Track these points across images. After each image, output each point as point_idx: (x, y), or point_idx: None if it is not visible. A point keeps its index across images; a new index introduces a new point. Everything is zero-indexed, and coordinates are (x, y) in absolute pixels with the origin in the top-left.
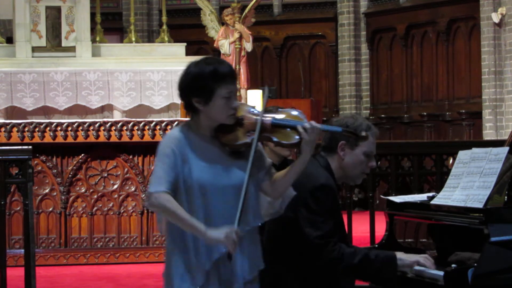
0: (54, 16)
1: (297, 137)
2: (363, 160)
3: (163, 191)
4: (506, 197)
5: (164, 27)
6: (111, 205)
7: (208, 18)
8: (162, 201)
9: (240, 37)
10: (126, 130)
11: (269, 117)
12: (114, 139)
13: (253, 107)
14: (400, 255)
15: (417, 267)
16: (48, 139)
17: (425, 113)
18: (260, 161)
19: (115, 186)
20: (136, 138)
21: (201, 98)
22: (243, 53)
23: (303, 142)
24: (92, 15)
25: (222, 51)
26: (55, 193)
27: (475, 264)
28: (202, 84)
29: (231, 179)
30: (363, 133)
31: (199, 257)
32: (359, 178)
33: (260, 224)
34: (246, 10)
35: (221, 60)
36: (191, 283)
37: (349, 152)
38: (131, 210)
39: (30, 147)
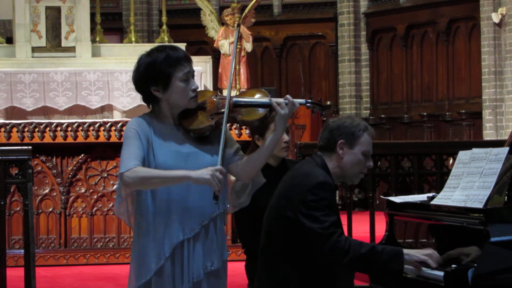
0: (54, 16)
1: (261, 111)
2: (361, 160)
3: (133, 166)
4: (506, 197)
5: (164, 27)
6: (111, 205)
7: (208, 18)
8: (135, 174)
9: (240, 37)
10: None
11: (232, 97)
12: (114, 139)
13: (216, 95)
14: (407, 250)
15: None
16: (48, 139)
17: (425, 113)
18: (228, 142)
19: (115, 186)
20: None
21: (159, 85)
22: (243, 53)
23: (277, 117)
24: (92, 15)
25: (222, 51)
26: (55, 193)
27: (475, 264)
28: (158, 71)
29: (199, 165)
30: (328, 102)
31: (157, 245)
32: (357, 178)
33: (224, 209)
34: (246, 10)
35: (173, 46)
36: (147, 270)
37: (348, 151)
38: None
39: (30, 147)
